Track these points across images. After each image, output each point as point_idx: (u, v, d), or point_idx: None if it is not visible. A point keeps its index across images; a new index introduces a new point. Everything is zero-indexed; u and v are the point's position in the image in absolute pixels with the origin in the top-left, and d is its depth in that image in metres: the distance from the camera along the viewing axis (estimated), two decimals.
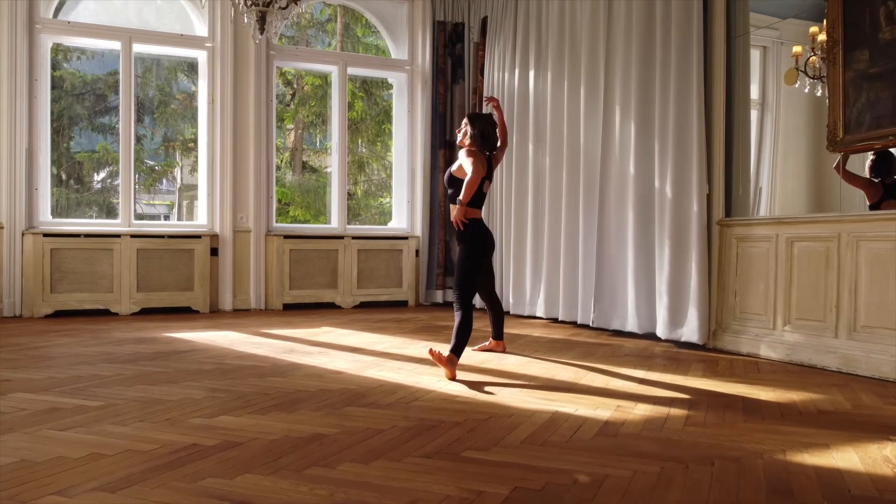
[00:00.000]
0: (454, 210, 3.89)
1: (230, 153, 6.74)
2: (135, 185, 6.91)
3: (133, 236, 6.36)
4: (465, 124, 3.95)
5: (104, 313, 6.21)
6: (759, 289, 4.20)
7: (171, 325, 5.54)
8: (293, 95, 11.88)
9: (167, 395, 3.01)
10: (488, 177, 3.91)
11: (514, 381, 3.40)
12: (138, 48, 6.72)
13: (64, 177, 10.67)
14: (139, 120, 11.70)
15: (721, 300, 4.45)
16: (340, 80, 7.34)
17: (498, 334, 4.30)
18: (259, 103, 6.84)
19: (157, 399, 2.92)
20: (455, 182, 3.91)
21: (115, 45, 6.60)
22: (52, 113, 10.67)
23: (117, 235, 6.32)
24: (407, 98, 7.64)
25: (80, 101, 11.08)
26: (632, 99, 4.99)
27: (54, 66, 10.52)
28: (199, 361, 3.87)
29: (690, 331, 4.43)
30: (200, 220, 6.92)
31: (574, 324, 5.68)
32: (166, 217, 12.38)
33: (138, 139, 11.56)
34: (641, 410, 2.82)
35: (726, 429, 2.55)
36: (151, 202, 12.47)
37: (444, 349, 3.58)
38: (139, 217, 9.95)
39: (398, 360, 3.99)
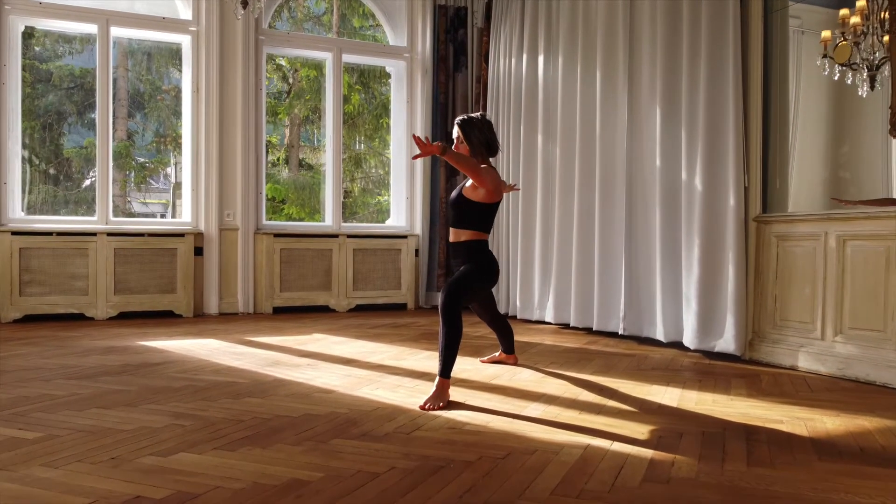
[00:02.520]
0: (455, 233, 3.29)
1: (216, 145, 6.26)
2: (111, 181, 6.41)
3: (110, 234, 5.87)
4: (458, 136, 3.26)
5: (79, 318, 5.73)
6: (803, 294, 3.73)
7: (149, 331, 5.06)
8: (289, 91, 11.41)
9: (121, 422, 2.53)
10: (501, 197, 3.36)
11: (532, 404, 2.92)
12: (116, 32, 6.24)
13: (53, 172, 10.27)
14: (130, 115, 11.23)
15: (758, 306, 3.97)
16: (335, 68, 6.85)
17: (509, 348, 3.81)
18: (248, 92, 6.35)
19: (107, 429, 2.44)
20: (462, 204, 3.26)
21: (92, 28, 6.11)
22: (39, 107, 10.21)
23: (93, 234, 5.83)
24: (406, 88, 7.16)
25: (70, 96, 10.61)
26: (657, 82, 4.51)
27: (41, 59, 10.06)
28: (169, 377, 3.39)
29: (726, 341, 3.95)
30: (184, 217, 6.44)
31: (589, 330, 5.20)
32: (162, 216, 11.93)
33: (129, 135, 11.10)
34: (690, 444, 2.34)
35: (802, 471, 2.07)
36: (144, 200, 12.00)
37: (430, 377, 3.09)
38: (130, 215, 9.46)
39: (396, 375, 3.51)
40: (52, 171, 10.42)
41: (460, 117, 3.32)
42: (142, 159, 11.02)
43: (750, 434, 2.46)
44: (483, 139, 3.27)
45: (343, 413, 2.71)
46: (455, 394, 3.04)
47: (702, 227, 4.09)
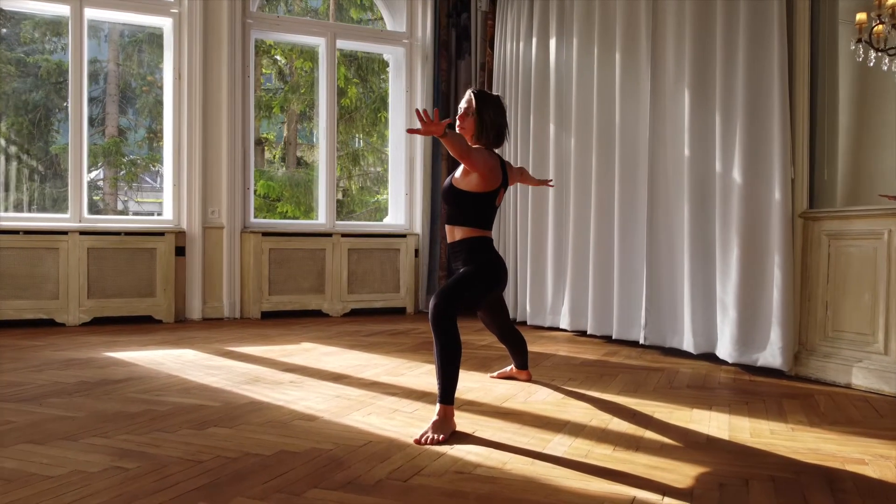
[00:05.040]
0: (451, 232, 2.81)
1: (199, 136, 5.78)
2: (85, 175, 5.92)
3: (83, 233, 5.38)
4: (468, 108, 2.80)
5: (49, 324, 5.25)
6: (861, 300, 3.24)
7: (121, 340, 4.58)
8: (285, 87, 10.95)
9: (51, 464, 2.04)
10: (503, 185, 2.82)
11: (555, 437, 2.43)
12: (91, 14, 5.74)
13: (41, 169, 9.90)
14: (122, 112, 10.79)
15: (806, 314, 3.49)
16: (329, 54, 6.37)
17: (522, 364, 3.33)
18: (234, 79, 5.87)
19: (30, 475, 1.96)
20: (453, 196, 2.78)
21: (64, 9, 5.62)
22: (27, 103, 9.77)
23: (64, 232, 5.34)
24: (405, 76, 6.67)
25: (58, 91, 10.21)
26: (685, 62, 4.02)
27: (29, 53, 9.63)
28: (127, 399, 2.90)
29: (771, 354, 3.46)
30: (165, 214, 5.95)
31: (608, 339, 4.71)
32: (159, 214, 11.53)
33: (121, 132, 10.66)
34: (762, 496, 1.85)
35: None
36: (138, 199, 11.60)
37: (429, 410, 2.59)
38: (122, 214, 9.00)
39: (392, 395, 3.02)
40: (40, 168, 10.00)
41: (476, 89, 2.84)
42: (133, 156, 10.60)
43: (832, 480, 1.98)
44: (496, 122, 2.81)
45: (326, 450, 2.22)
46: (461, 420, 2.56)
47: (741, 224, 3.60)
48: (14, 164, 9.61)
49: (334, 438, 2.35)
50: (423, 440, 2.29)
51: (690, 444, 2.32)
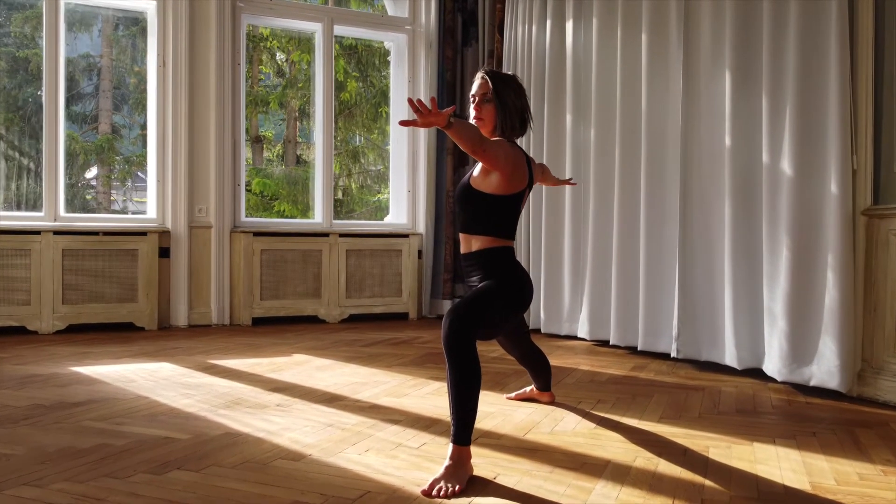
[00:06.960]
0: (466, 241, 2.35)
1: (185, 128, 5.33)
2: (62, 170, 5.47)
3: (57, 233, 4.95)
4: (483, 94, 2.33)
5: (20, 332, 4.80)
6: None
7: (95, 351, 4.13)
8: (283, 82, 10.57)
9: None
10: (529, 185, 2.36)
11: (596, 485, 1.98)
12: None
13: (33, 167, 9.52)
14: (117, 108, 10.40)
15: (871, 327, 3.03)
16: (326, 41, 5.92)
17: (545, 385, 2.87)
18: (223, 67, 5.42)
19: None
20: (470, 198, 2.33)
21: None
22: (17, 99, 9.35)
23: (37, 232, 4.90)
24: (407, 65, 6.22)
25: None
26: (725, 40, 3.56)
27: (19, 46, 9.25)
28: (81, 428, 2.45)
29: (827, 372, 3.00)
30: (148, 212, 5.51)
31: (632, 350, 4.26)
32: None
33: (116, 130, 10.25)
34: None
35: None
36: (135, 198, 11.19)
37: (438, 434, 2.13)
38: (116, 213, 8.60)
39: (395, 424, 2.57)
40: (31, 166, 9.60)
41: (488, 69, 2.38)
42: (127, 154, 10.23)
43: None
44: (519, 106, 2.35)
45: None
46: (479, 459, 2.11)
47: (792, 222, 3.15)
48: (2, 161, 9.21)
49: (322, 487, 1.90)
50: (433, 491, 1.84)
51: (767, 497, 1.87)
